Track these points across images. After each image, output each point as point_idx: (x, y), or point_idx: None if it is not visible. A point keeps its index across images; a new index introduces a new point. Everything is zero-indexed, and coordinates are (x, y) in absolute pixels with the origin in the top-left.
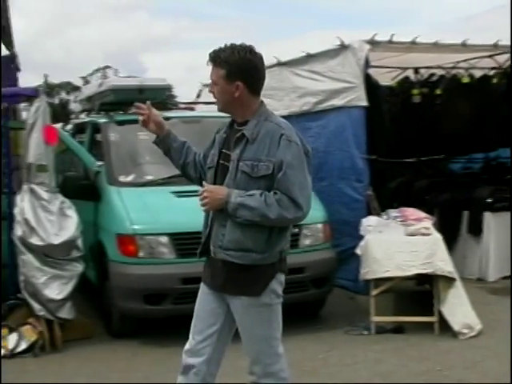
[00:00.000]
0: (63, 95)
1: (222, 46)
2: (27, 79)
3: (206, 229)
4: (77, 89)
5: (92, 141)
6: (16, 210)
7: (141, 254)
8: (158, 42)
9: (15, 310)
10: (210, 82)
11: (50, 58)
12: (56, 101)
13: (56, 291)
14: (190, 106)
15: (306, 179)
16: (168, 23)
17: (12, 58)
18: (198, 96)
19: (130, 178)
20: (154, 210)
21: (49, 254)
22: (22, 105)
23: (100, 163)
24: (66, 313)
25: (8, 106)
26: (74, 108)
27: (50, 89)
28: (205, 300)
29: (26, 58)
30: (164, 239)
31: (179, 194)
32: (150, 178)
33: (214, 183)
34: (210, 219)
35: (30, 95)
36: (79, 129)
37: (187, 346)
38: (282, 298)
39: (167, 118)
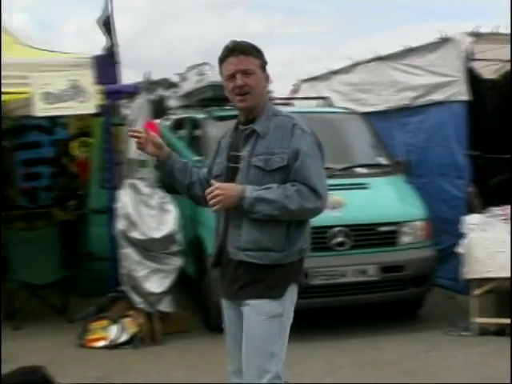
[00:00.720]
0: (162, 91)
1: (237, 40)
2: (128, 77)
3: (217, 237)
4: (174, 85)
5: (190, 136)
6: (117, 205)
7: None
8: (253, 38)
9: (116, 302)
10: (229, 73)
11: (149, 55)
12: (155, 97)
13: (156, 285)
14: (286, 102)
15: (322, 169)
16: (262, 19)
17: (114, 55)
18: (294, 91)
19: None
20: None
21: (149, 248)
22: (123, 101)
23: (199, 159)
24: (165, 306)
25: (110, 102)
26: (173, 104)
27: (150, 85)
28: (230, 316)
29: (128, 56)
30: None
31: None
32: None
33: None
34: (223, 224)
35: (131, 92)
36: (178, 124)
37: (230, 367)
38: (292, 312)
39: None
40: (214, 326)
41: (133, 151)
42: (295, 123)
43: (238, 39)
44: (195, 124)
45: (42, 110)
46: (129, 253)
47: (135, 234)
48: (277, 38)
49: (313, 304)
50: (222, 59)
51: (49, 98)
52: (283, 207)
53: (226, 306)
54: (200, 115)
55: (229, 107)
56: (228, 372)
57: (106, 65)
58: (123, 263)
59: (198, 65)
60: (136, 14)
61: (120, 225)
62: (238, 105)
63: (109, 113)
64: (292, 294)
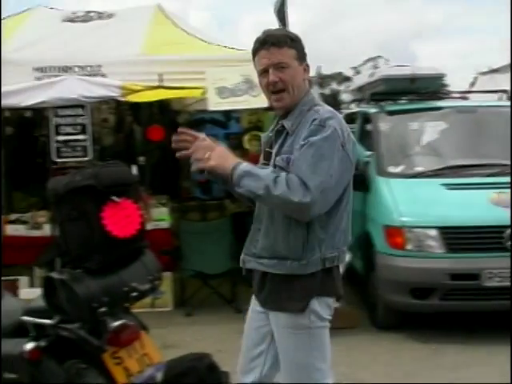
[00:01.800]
0: (334, 86)
1: (270, 29)
2: None
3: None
4: (347, 79)
5: (362, 131)
6: None
7: (408, 247)
8: (430, 29)
9: None
10: (261, 68)
11: (323, 49)
12: (327, 91)
13: None
14: (463, 95)
15: (329, 168)
16: (440, 10)
17: None
18: (473, 84)
19: (399, 169)
20: (424, 202)
21: None
22: None
23: (369, 153)
24: None
25: None
26: (345, 98)
27: (322, 79)
28: (252, 317)
29: None
30: (433, 232)
31: (450, 187)
32: (420, 169)
33: None
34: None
35: None
36: (349, 119)
37: (239, 365)
38: (327, 322)
39: (439, 108)
40: (380, 323)
41: None
42: (315, 118)
43: (273, 28)
44: (367, 118)
45: (216, 104)
46: None
47: None
48: (456, 29)
49: (486, 307)
50: (255, 52)
51: (223, 92)
52: (267, 187)
53: (253, 306)
54: (372, 109)
55: (403, 101)
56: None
57: None
58: None
59: (372, 58)
60: (310, 8)
61: None
62: (274, 105)
63: None
64: (320, 308)
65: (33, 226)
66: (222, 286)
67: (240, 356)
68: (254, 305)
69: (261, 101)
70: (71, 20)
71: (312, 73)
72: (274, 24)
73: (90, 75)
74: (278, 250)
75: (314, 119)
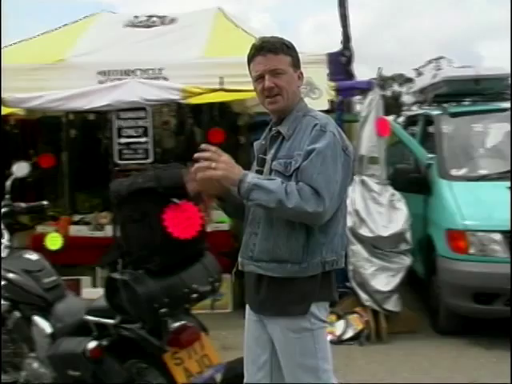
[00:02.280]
0: (395, 87)
1: (266, 36)
2: (362, 72)
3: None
4: (409, 81)
5: (424, 133)
6: (347, 201)
7: (471, 251)
8: (496, 29)
9: (343, 298)
10: (257, 74)
11: (384, 50)
12: (388, 93)
13: (383, 283)
14: None
15: (335, 174)
16: (506, 8)
17: (348, 52)
18: None
19: (462, 172)
20: (488, 205)
21: (377, 246)
22: (356, 98)
23: (432, 156)
24: (392, 305)
25: (343, 99)
26: (406, 100)
27: (383, 81)
28: (249, 328)
29: (362, 52)
30: (497, 236)
31: None
32: (483, 172)
33: None
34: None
35: (364, 88)
36: (411, 121)
37: (245, 379)
38: (326, 322)
39: (504, 110)
40: (441, 328)
41: (364, 148)
42: (316, 123)
43: (269, 35)
44: (429, 121)
45: None
46: (357, 249)
47: (364, 231)
48: None
49: None
50: (250, 59)
51: None
52: (280, 201)
53: (248, 316)
54: (434, 111)
55: (466, 103)
56: None
57: (340, 61)
58: (351, 259)
59: (435, 59)
60: (371, 9)
61: (349, 221)
62: (268, 107)
63: (341, 109)
64: (318, 310)
65: (95, 227)
66: None
67: (244, 369)
68: (249, 315)
69: (321, 103)
70: (133, 25)
71: (373, 74)
72: (333, 25)
73: (151, 78)
74: (278, 253)
75: (315, 124)
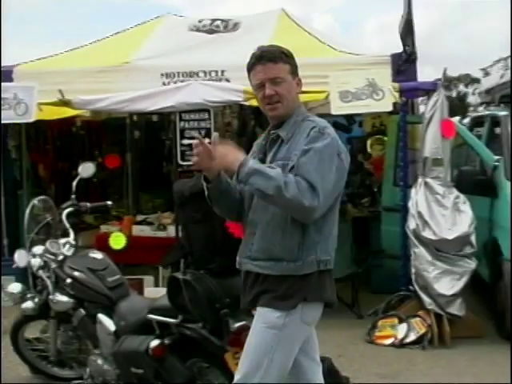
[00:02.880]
0: (461, 88)
1: (265, 45)
2: (427, 73)
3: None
4: (475, 81)
5: (490, 135)
6: (410, 203)
7: None
8: None
9: (405, 301)
10: (258, 83)
11: (449, 50)
12: (454, 94)
13: (447, 286)
14: None
15: (330, 173)
16: None
17: (412, 53)
18: None
19: None
20: None
21: (441, 249)
22: (420, 99)
23: (498, 158)
24: (456, 309)
25: (406, 100)
26: (473, 101)
27: (448, 82)
28: None
29: (426, 52)
30: None
31: None
32: None
33: (251, 201)
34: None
35: (429, 89)
36: (477, 122)
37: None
38: (307, 325)
39: None
40: (507, 333)
41: (428, 149)
42: (314, 126)
43: (267, 45)
44: (496, 122)
45: (338, 108)
46: (420, 252)
47: (427, 234)
48: None
49: None
50: (250, 68)
51: (346, 96)
52: (278, 188)
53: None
54: (501, 112)
55: None
56: None
57: (404, 62)
58: (414, 262)
59: (503, 59)
60: (436, 9)
61: (412, 223)
62: (268, 114)
63: (405, 111)
64: (306, 313)
65: (158, 227)
66: (342, 291)
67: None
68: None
69: (384, 104)
70: (197, 29)
71: (437, 75)
72: (397, 25)
73: (214, 80)
74: (274, 251)
75: (313, 127)
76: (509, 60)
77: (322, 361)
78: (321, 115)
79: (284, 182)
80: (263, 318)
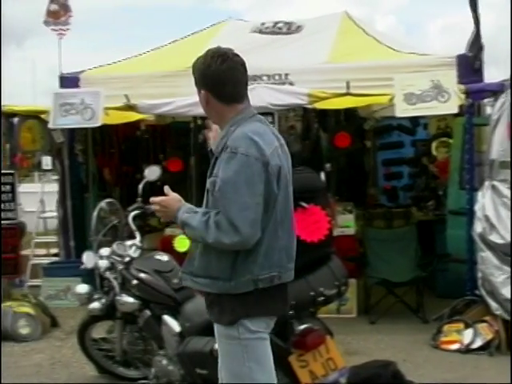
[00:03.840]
0: None
1: (210, 51)
2: (493, 74)
3: None
4: None
5: None
6: (476, 207)
7: None
8: None
9: (472, 306)
10: None
11: None
12: None
13: None
14: None
15: (253, 198)
16: None
17: (478, 53)
18: None
19: None
20: None
21: (508, 253)
22: (486, 100)
23: None
24: None
25: (473, 102)
26: None
27: None
28: None
29: (492, 53)
30: None
31: None
32: None
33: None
34: None
35: (496, 90)
36: None
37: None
38: (263, 334)
39: None
40: None
41: (495, 152)
42: (228, 145)
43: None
44: None
45: (403, 110)
46: (487, 256)
47: (494, 238)
48: None
49: None
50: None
51: (411, 98)
52: (202, 237)
53: None
54: None
55: None
56: None
57: (470, 63)
58: (481, 267)
59: None
60: (501, 9)
61: (478, 227)
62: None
63: (471, 113)
64: (251, 324)
65: None
66: (407, 295)
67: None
68: None
69: (449, 106)
70: (260, 31)
71: (504, 75)
72: (462, 26)
73: (277, 84)
74: (210, 270)
75: (227, 147)
76: None
77: (387, 365)
78: (385, 118)
79: (205, 229)
80: (218, 332)
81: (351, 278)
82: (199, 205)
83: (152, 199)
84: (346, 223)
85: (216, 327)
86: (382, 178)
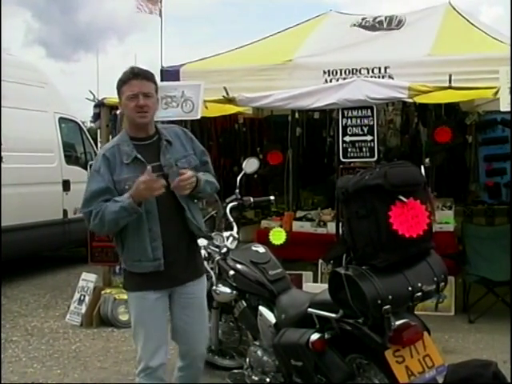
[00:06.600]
0: None
1: (136, 66)
2: None
3: None
4: None
5: None
6: None
7: None
8: None
9: None
10: (132, 94)
11: None
12: None
13: None
14: None
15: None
16: None
17: None
18: None
19: None
20: None
21: None
22: None
23: None
24: None
25: None
26: None
27: None
28: None
29: None
30: None
31: None
32: None
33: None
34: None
35: None
36: None
37: None
38: (133, 292)
39: None
40: None
41: None
42: (179, 130)
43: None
44: None
45: (509, 104)
46: None
47: None
48: None
49: None
50: (126, 81)
51: None
52: (216, 188)
53: None
54: None
55: None
56: None
57: None
58: None
59: None
60: None
61: None
62: (138, 121)
63: None
64: (135, 301)
65: (318, 224)
66: (508, 294)
67: None
68: None
69: None
70: (360, 25)
71: None
72: None
73: (377, 77)
74: None
75: (182, 130)
76: None
77: (488, 364)
78: (489, 112)
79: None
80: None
81: (449, 275)
82: (296, 197)
83: (187, 176)
84: (445, 219)
85: None
86: (483, 174)
